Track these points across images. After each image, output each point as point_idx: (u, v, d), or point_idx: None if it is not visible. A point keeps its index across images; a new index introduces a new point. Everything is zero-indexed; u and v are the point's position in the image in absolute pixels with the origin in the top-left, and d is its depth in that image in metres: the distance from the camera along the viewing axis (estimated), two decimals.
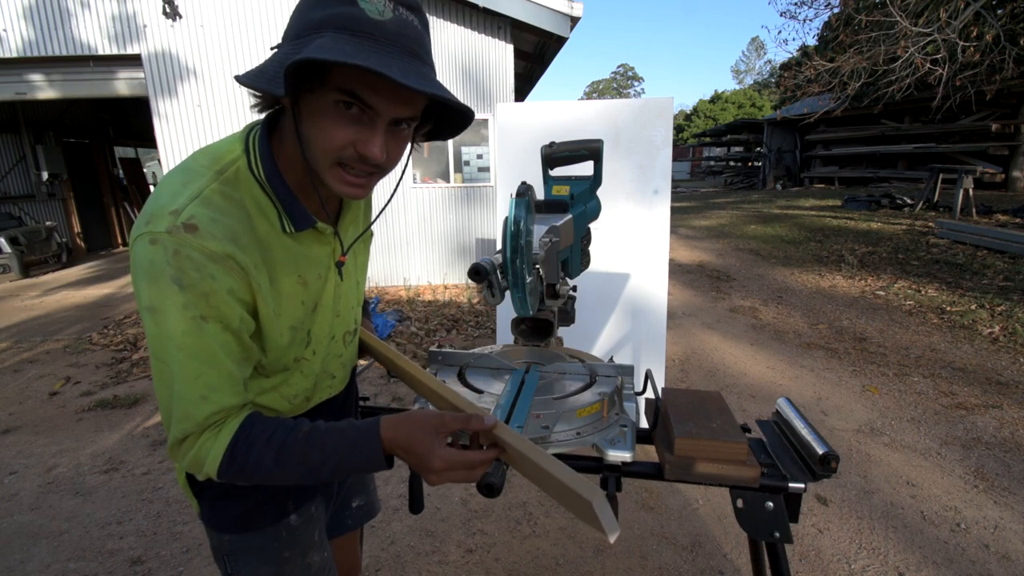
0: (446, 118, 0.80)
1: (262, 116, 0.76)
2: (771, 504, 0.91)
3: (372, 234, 0.98)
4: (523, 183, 1.08)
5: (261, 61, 0.68)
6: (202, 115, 5.87)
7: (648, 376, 1.25)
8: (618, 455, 0.95)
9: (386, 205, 0.93)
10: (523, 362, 1.27)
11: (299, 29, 0.64)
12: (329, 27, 0.62)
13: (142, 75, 5.80)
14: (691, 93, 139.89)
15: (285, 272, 0.76)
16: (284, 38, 0.67)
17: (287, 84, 0.61)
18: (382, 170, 0.72)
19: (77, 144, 9.66)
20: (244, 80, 0.65)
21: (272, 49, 0.67)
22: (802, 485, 0.91)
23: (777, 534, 0.92)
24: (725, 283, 6.19)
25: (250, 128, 0.75)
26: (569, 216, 1.25)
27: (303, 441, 0.72)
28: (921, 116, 14.75)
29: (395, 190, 0.92)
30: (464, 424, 0.73)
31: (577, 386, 1.13)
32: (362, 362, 1.18)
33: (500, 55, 5.88)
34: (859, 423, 2.93)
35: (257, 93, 0.70)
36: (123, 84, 5.96)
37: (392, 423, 0.73)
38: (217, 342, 0.68)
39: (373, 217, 0.98)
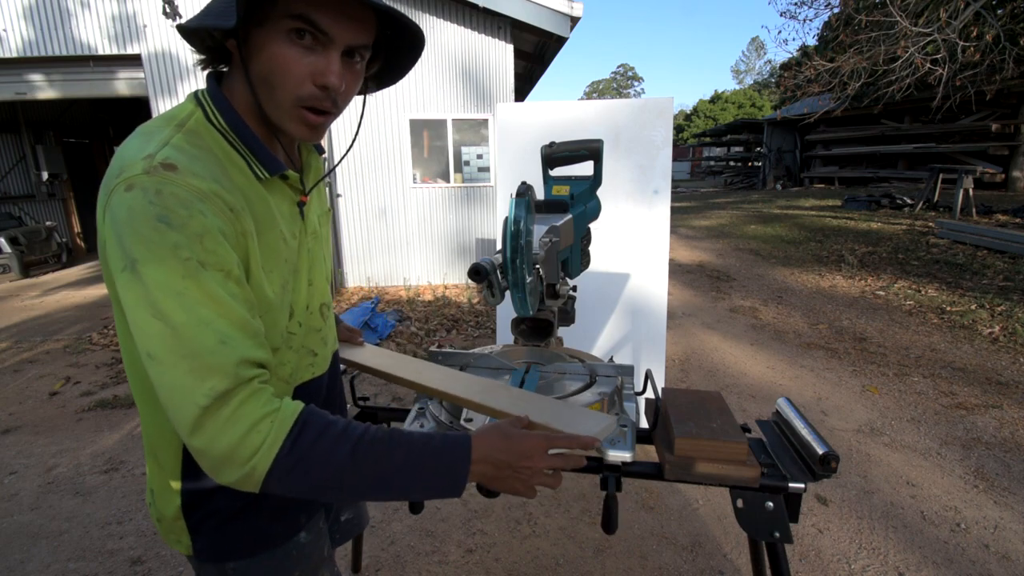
0: (394, 58, 0.78)
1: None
2: (771, 504, 0.92)
3: (331, 211, 0.95)
4: (523, 183, 1.08)
5: None
6: None
7: (648, 376, 1.25)
8: (618, 455, 0.95)
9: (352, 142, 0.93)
10: (523, 362, 1.27)
11: None
12: None
13: (142, 75, 5.80)
14: (691, 93, 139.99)
15: (268, 225, 0.70)
16: None
17: (239, 12, 0.58)
18: (336, 108, 0.69)
19: (77, 144, 9.66)
20: (188, 25, 0.63)
21: None
22: (802, 485, 0.91)
23: (777, 534, 0.92)
24: (725, 283, 6.19)
25: (196, 91, 0.72)
26: (569, 216, 1.25)
27: (386, 438, 0.64)
28: (921, 116, 14.74)
29: (356, 135, 0.92)
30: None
31: (577, 386, 1.13)
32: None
33: (500, 55, 5.88)
34: (859, 423, 2.93)
35: (206, 44, 0.68)
36: (123, 84, 5.95)
37: (478, 431, 0.70)
38: (223, 290, 0.59)
39: (335, 163, 0.96)
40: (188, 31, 0.65)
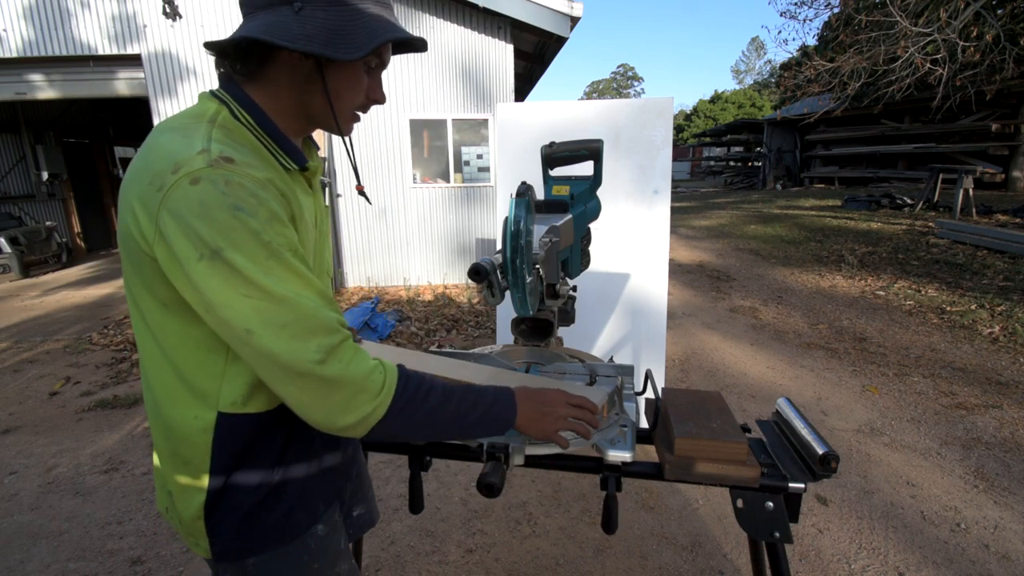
0: None
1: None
2: (771, 504, 0.92)
3: (328, 208, 1.02)
4: (523, 183, 1.08)
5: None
6: None
7: (648, 376, 1.25)
8: (618, 455, 0.95)
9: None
10: (523, 362, 1.27)
11: None
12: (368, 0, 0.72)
13: (142, 75, 5.80)
14: (691, 93, 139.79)
15: (299, 213, 0.75)
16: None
17: (368, 50, 0.70)
18: None
19: (77, 144, 9.65)
20: (308, 46, 0.67)
21: (297, 7, 0.69)
22: (802, 485, 0.91)
23: (777, 534, 0.92)
24: (725, 283, 6.19)
25: (210, 91, 0.75)
26: (569, 216, 1.25)
27: (459, 389, 0.79)
28: (921, 116, 14.75)
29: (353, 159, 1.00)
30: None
31: (577, 386, 1.13)
32: None
33: (500, 55, 5.88)
34: (859, 423, 2.93)
35: (258, 55, 0.73)
36: (123, 84, 5.96)
37: (514, 387, 0.88)
38: (299, 265, 0.66)
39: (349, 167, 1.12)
40: (260, 43, 0.70)
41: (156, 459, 0.82)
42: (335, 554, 0.89)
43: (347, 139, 0.88)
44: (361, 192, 0.93)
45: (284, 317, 0.63)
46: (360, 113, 0.81)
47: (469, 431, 0.80)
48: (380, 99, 0.81)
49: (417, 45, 0.81)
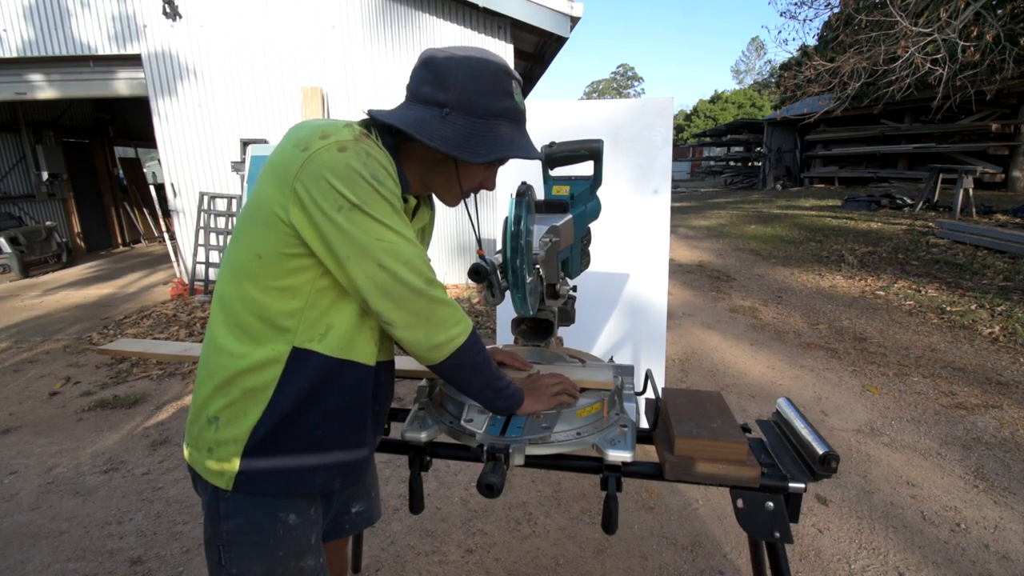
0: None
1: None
2: (771, 504, 0.92)
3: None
4: (523, 183, 1.08)
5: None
6: (202, 115, 5.86)
7: (648, 376, 1.25)
8: (618, 455, 0.96)
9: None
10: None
11: (480, 111, 0.86)
12: (504, 118, 0.88)
13: (142, 75, 5.80)
14: (691, 93, 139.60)
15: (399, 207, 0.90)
16: (456, 106, 0.85)
17: (490, 159, 0.87)
18: None
19: (77, 144, 9.65)
20: (442, 147, 0.85)
21: (445, 112, 0.86)
22: (802, 485, 0.91)
23: (777, 534, 0.92)
24: (725, 283, 6.19)
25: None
26: (569, 216, 1.25)
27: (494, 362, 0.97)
28: (921, 116, 14.74)
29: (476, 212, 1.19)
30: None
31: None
32: None
33: (500, 55, 5.87)
34: (859, 423, 2.93)
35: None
36: (123, 84, 5.96)
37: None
38: (411, 232, 0.84)
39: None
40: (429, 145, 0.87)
41: (198, 399, 0.90)
42: (303, 547, 0.93)
43: (472, 211, 1.09)
44: (481, 257, 1.06)
45: (406, 254, 0.81)
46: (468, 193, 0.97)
47: (496, 395, 0.95)
48: (490, 188, 0.98)
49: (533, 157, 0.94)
